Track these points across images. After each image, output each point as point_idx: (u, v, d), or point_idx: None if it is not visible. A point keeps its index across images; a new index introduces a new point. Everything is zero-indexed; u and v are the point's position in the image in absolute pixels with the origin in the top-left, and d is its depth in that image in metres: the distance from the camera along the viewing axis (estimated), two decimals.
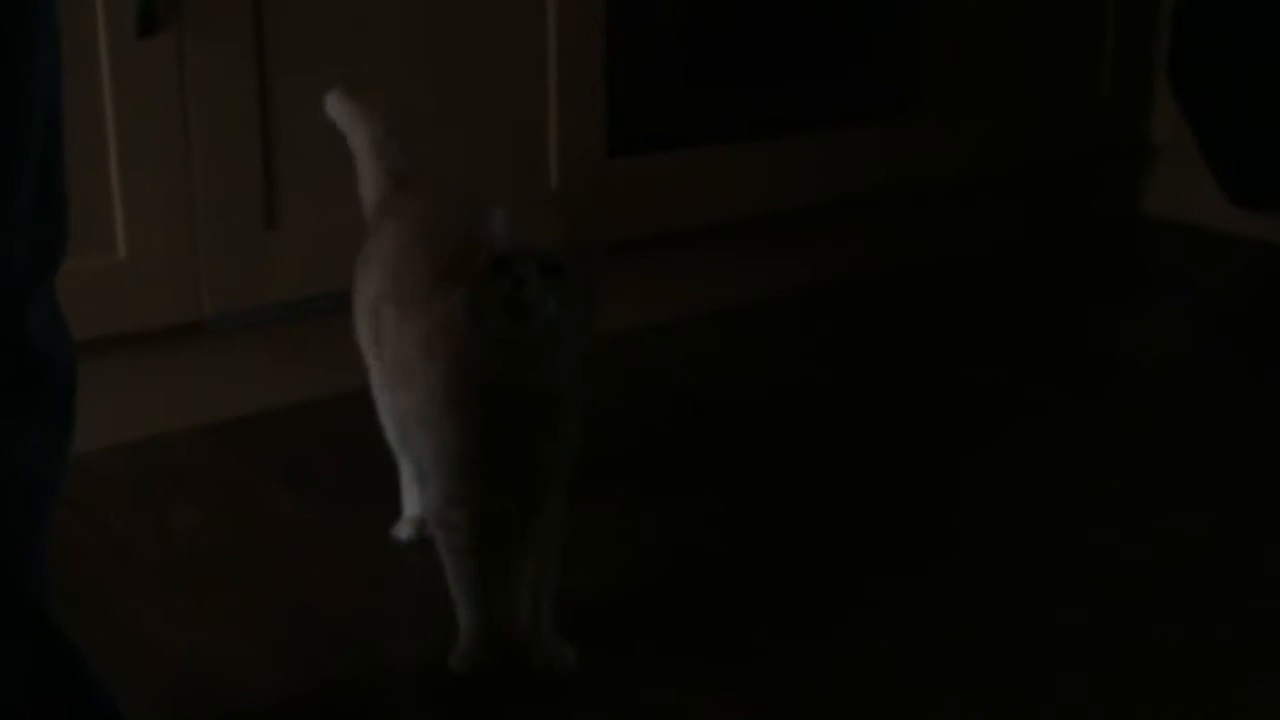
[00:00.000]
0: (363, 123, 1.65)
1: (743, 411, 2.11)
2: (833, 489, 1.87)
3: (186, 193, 1.88)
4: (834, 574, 1.66)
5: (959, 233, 2.84)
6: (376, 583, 1.61)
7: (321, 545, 1.67)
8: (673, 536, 1.73)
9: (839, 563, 1.68)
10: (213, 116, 1.88)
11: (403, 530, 1.67)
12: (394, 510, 1.69)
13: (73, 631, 1.13)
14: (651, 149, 2.36)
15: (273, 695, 1.41)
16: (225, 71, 1.89)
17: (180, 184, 1.87)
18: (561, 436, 1.37)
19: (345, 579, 1.62)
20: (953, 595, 1.60)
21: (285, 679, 1.43)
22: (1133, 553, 1.70)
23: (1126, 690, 1.43)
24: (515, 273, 1.27)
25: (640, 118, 2.35)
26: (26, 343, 1.00)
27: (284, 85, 1.94)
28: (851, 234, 2.67)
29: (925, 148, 2.70)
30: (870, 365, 2.32)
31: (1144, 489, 1.88)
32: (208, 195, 1.90)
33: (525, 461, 1.37)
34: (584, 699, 1.41)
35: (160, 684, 1.41)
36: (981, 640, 1.52)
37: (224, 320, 1.96)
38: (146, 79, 1.83)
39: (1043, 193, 2.99)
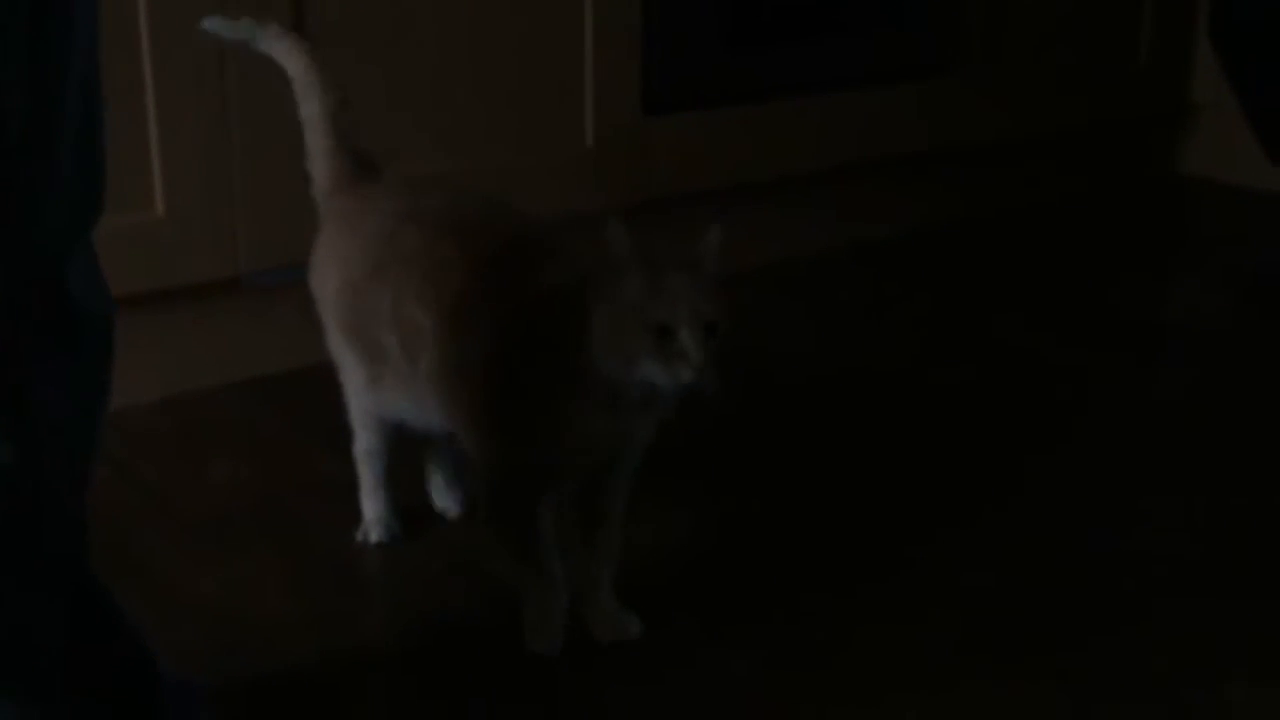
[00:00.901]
0: (315, 89, 1.55)
1: (781, 370, 2.11)
2: (869, 449, 1.87)
3: (224, 150, 1.89)
4: (873, 537, 1.66)
5: (998, 194, 2.83)
6: (411, 538, 1.61)
7: (356, 501, 1.67)
8: (713, 498, 1.73)
9: (878, 525, 1.68)
10: (250, 73, 1.88)
11: (373, 532, 1.61)
12: (421, 462, 1.69)
13: (109, 584, 1.14)
14: (688, 107, 2.36)
15: (307, 649, 1.42)
16: None
17: (218, 141, 1.88)
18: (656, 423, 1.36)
19: None
20: (990, 558, 1.60)
21: (319, 634, 1.44)
22: (1166, 519, 1.70)
23: (1148, 657, 1.43)
24: (690, 356, 1.22)
25: (677, 75, 2.34)
26: (66, 299, 1.01)
27: (322, 41, 1.94)
28: (890, 194, 2.66)
29: (964, 109, 2.68)
30: (908, 325, 2.32)
31: (1178, 455, 1.87)
32: (245, 152, 1.90)
33: (621, 450, 1.37)
34: (627, 660, 1.41)
35: (196, 637, 1.42)
36: (1018, 605, 1.52)
37: (260, 277, 1.97)
38: (185, 37, 1.82)
39: (1082, 154, 2.97)
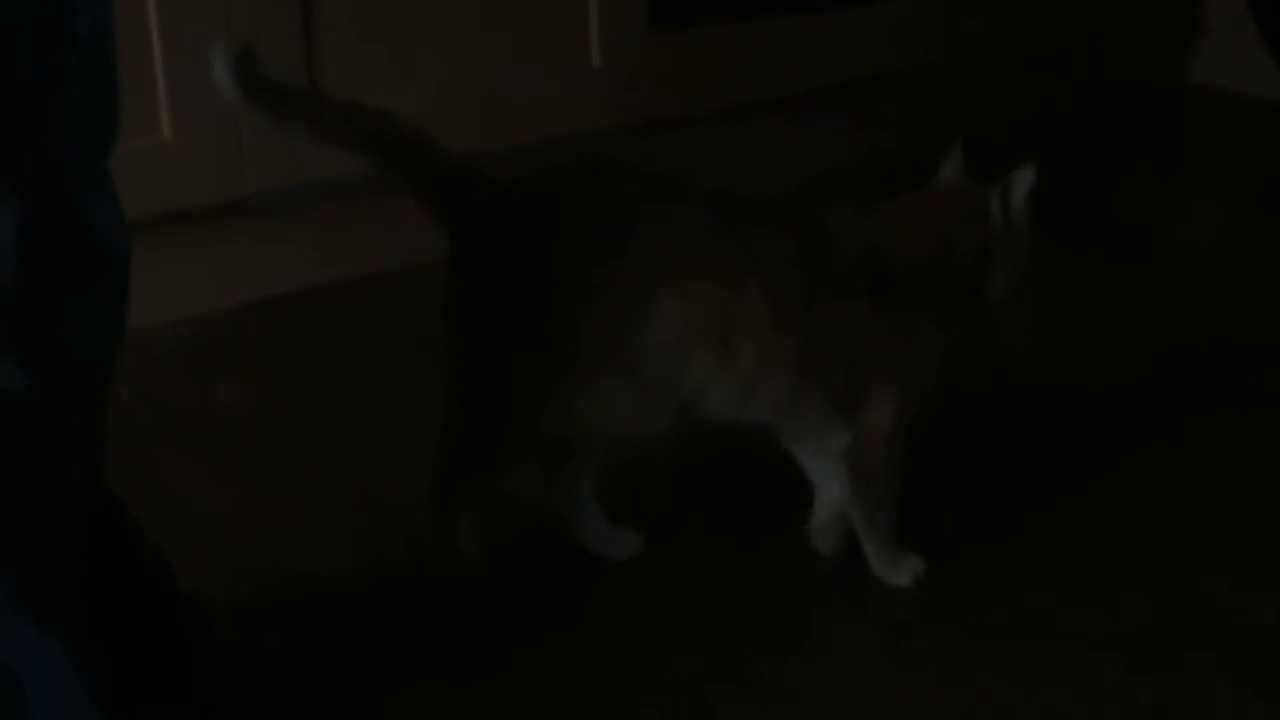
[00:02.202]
0: (349, 124, 1.33)
1: None
2: None
3: None
4: None
5: (1008, 105, 2.82)
6: (420, 456, 1.62)
7: (366, 420, 1.69)
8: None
9: None
10: None
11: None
12: (434, 382, 1.69)
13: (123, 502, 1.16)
14: (695, 24, 2.35)
15: (319, 567, 1.44)
16: None
17: None
18: None
19: (390, 453, 1.64)
20: (982, 473, 1.62)
21: (330, 551, 1.46)
22: (1163, 430, 1.72)
23: (1143, 557, 1.46)
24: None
25: None
26: (83, 227, 1.02)
27: None
28: (899, 108, 2.65)
29: (975, 21, 2.67)
30: None
31: (1177, 362, 1.89)
32: None
33: None
34: (647, 580, 1.43)
35: (209, 555, 1.44)
36: (1017, 512, 1.54)
37: (268, 198, 1.97)
38: None
39: (1092, 64, 2.95)
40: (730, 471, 1.61)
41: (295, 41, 1.93)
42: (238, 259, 2.00)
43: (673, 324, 1.28)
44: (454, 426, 1.37)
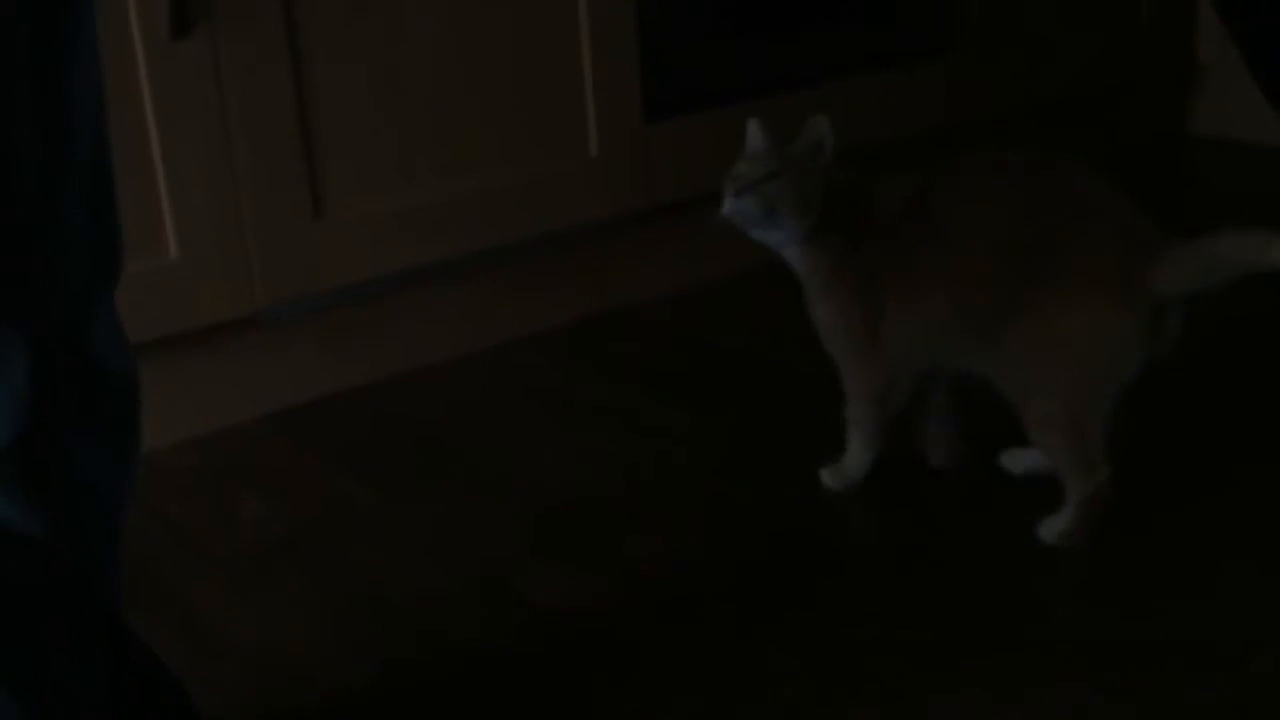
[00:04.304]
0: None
1: (794, 367, 2.12)
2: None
3: (232, 189, 1.90)
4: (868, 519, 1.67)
5: None
6: (441, 564, 1.63)
7: (384, 529, 1.69)
8: (725, 493, 1.75)
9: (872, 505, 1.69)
10: (251, 111, 1.90)
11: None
12: (453, 491, 1.68)
13: (143, 626, 1.16)
14: (689, 110, 2.36)
15: (342, 683, 1.43)
16: (260, 65, 1.90)
17: (225, 181, 1.90)
18: None
19: (410, 562, 1.64)
20: (1001, 538, 1.61)
21: (354, 667, 1.46)
22: (1178, 486, 1.70)
23: (1173, 630, 1.44)
24: None
25: (676, 79, 2.35)
26: (91, 360, 1.02)
27: (319, 73, 1.96)
28: (902, 172, 2.66)
29: (968, 85, 2.68)
30: None
31: (1184, 413, 1.88)
32: (253, 190, 1.92)
33: None
34: (658, 670, 1.42)
35: (230, 675, 1.44)
36: (1043, 576, 1.53)
37: (278, 312, 1.99)
38: (184, 80, 1.84)
39: (1089, 118, 2.96)
40: (742, 543, 1.62)
41: (294, 141, 1.94)
42: (248, 374, 2.01)
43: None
44: None
